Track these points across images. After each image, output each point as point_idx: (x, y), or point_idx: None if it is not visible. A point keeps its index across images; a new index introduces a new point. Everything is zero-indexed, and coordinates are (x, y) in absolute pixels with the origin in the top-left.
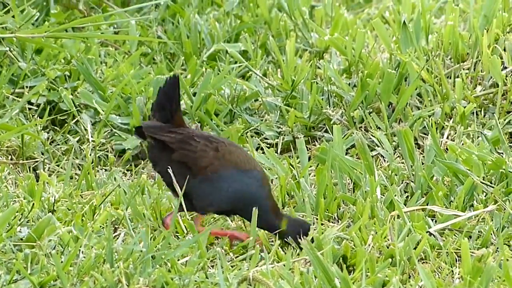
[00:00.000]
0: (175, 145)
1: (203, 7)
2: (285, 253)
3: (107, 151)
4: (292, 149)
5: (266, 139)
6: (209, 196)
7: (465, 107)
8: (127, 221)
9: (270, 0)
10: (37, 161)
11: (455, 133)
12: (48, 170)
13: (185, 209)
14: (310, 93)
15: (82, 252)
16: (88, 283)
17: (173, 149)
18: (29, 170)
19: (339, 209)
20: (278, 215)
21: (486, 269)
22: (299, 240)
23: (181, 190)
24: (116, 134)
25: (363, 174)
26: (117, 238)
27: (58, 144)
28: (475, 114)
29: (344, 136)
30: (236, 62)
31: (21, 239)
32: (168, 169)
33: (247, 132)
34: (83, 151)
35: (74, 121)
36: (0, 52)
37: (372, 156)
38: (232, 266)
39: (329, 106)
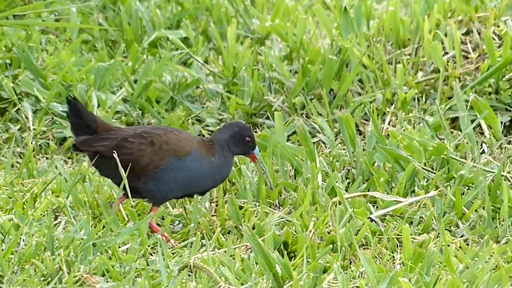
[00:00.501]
0: (110, 153)
1: None
2: (226, 239)
3: (48, 139)
4: None
5: (208, 126)
6: (161, 192)
7: (406, 93)
8: (68, 209)
9: None
10: None
11: (397, 119)
12: None
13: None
14: (252, 80)
15: (23, 240)
16: (28, 271)
17: (110, 157)
18: None
19: (281, 195)
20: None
21: (427, 255)
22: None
23: (130, 191)
24: (57, 122)
25: (305, 160)
26: (58, 226)
27: None
28: (416, 100)
29: (286, 122)
30: (177, 49)
31: None
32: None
33: (189, 119)
34: (24, 139)
35: (15, 109)
36: None
37: (314, 143)
38: (173, 253)
39: (271, 93)
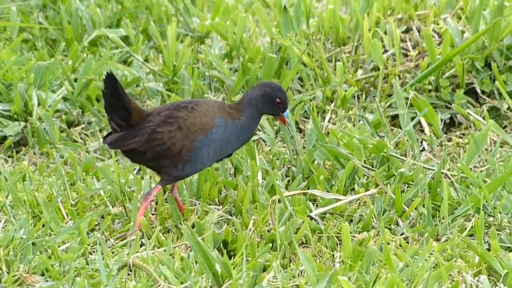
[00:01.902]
0: (143, 148)
1: None
2: (166, 238)
3: None
4: None
5: None
6: (196, 170)
7: (346, 90)
8: (7, 207)
9: None
10: None
11: (337, 116)
12: None
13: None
14: (192, 78)
15: None
16: None
17: (144, 151)
18: None
19: (221, 194)
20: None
21: (366, 253)
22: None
23: (173, 180)
24: None
25: (245, 158)
26: None
27: None
28: (356, 97)
29: None
30: (117, 48)
31: None
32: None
33: None
34: None
35: None
36: None
37: (254, 141)
38: (112, 252)
39: (211, 91)
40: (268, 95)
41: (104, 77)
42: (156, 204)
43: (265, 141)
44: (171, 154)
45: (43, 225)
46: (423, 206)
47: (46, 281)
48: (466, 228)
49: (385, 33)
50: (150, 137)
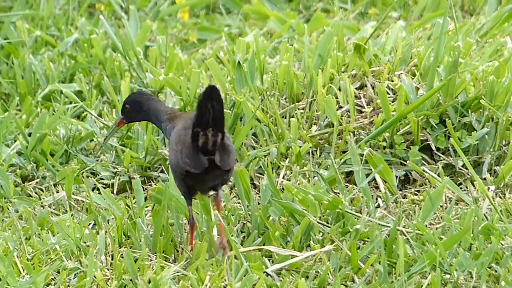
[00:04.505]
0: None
1: (37, 48)
2: None
3: None
4: (128, 189)
5: (102, 179)
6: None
7: (300, 146)
8: None
9: (104, 40)
10: None
11: (291, 172)
12: None
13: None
14: (146, 133)
15: None
16: None
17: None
18: None
19: (177, 250)
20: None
21: None
22: None
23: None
24: None
25: (200, 214)
26: None
27: None
28: (311, 153)
29: None
30: (71, 102)
31: None
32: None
33: (83, 172)
34: None
35: None
36: None
37: (208, 196)
38: None
39: (165, 146)
40: None
41: (207, 90)
42: (112, 258)
43: None
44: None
45: (0, 279)
46: (379, 263)
47: None
48: (422, 286)
49: (339, 89)
50: (230, 149)
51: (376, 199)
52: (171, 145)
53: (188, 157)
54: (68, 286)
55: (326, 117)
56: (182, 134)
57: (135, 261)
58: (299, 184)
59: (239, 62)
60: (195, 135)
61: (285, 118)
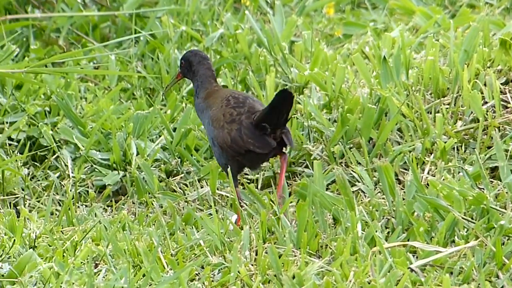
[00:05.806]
0: None
1: (182, 43)
2: None
3: (87, 187)
4: (272, 185)
5: (247, 174)
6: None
7: (445, 142)
8: (108, 257)
9: (249, 35)
10: (17, 197)
11: (436, 168)
12: (28, 206)
13: None
14: (291, 128)
15: None
16: None
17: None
18: (10, 206)
19: (320, 246)
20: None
21: None
22: None
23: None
24: (96, 169)
25: (344, 209)
26: (98, 274)
27: (39, 180)
28: (455, 149)
29: (325, 171)
30: None
31: (2, 275)
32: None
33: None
34: (64, 186)
35: (54, 156)
36: None
37: (353, 192)
38: None
39: (310, 142)
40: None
41: (283, 94)
42: (256, 254)
43: (364, 192)
44: None
45: (144, 275)
46: None
47: None
48: None
49: (485, 84)
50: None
51: None
52: (215, 122)
53: (252, 138)
54: (212, 281)
55: (471, 112)
56: (233, 113)
57: (279, 257)
58: (443, 179)
59: (384, 57)
60: (261, 127)
61: (430, 113)
